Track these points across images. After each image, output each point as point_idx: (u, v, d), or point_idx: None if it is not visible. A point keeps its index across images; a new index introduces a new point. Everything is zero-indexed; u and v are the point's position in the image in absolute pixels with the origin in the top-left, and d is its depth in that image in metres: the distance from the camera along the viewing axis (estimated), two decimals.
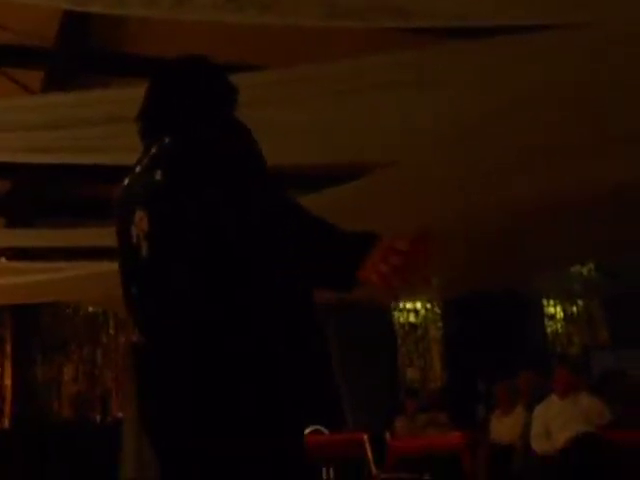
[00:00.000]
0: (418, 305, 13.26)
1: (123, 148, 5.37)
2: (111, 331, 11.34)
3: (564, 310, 13.71)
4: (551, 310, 13.72)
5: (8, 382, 10.43)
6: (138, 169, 2.53)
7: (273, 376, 2.24)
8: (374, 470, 9.09)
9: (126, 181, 2.60)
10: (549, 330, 13.61)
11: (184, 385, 2.29)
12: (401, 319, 13.23)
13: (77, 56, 7.05)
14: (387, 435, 10.01)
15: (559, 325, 13.68)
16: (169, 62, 2.72)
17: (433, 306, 13.33)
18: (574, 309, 13.73)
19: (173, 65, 2.71)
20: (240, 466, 2.23)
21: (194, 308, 2.28)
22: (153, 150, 2.48)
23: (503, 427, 8.96)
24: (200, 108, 2.54)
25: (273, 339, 2.25)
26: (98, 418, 11.03)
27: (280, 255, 2.22)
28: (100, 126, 5.01)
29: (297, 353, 2.29)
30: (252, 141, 2.38)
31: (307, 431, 7.33)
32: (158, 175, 2.38)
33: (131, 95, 5.11)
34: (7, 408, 10.39)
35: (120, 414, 11.08)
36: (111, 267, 9.38)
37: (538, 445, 7.83)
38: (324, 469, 8.81)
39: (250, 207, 2.22)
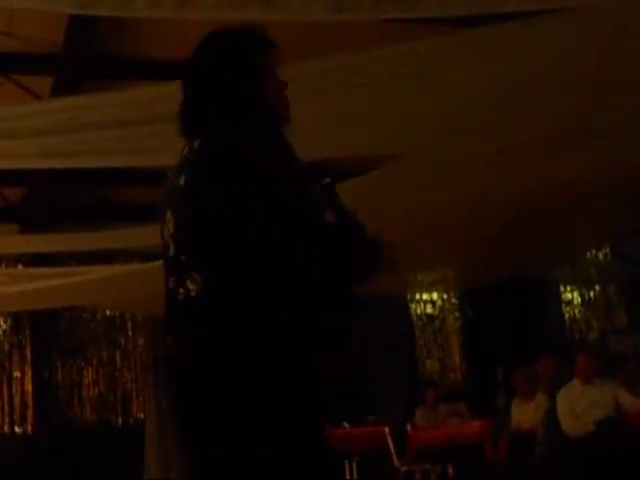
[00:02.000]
0: (435, 296, 13.23)
1: (132, 151, 5.38)
2: (129, 333, 11.37)
3: (581, 296, 13.66)
4: (568, 296, 13.68)
5: (29, 388, 10.47)
6: (175, 167, 2.57)
7: (301, 387, 2.26)
8: (396, 462, 9.09)
9: (169, 174, 2.63)
10: (567, 316, 13.57)
11: (207, 394, 2.30)
12: (418, 311, 13.21)
13: (84, 61, 7.08)
14: (408, 427, 10.01)
15: (577, 311, 13.63)
16: (198, 51, 2.65)
17: (450, 296, 13.31)
18: (591, 294, 13.68)
19: (202, 56, 2.63)
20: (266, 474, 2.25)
21: (214, 317, 2.30)
22: (185, 152, 2.53)
23: (524, 414, 8.94)
24: (231, 104, 2.53)
25: (300, 358, 2.26)
26: (120, 420, 11.06)
27: (306, 265, 2.28)
28: (108, 129, 5.02)
29: (328, 365, 2.31)
30: (279, 148, 2.39)
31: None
32: (182, 180, 2.45)
33: (138, 97, 5.13)
34: (29, 413, 10.43)
35: (141, 415, 11.12)
36: (126, 270, 9.44)
37: (567, 425, 7.79)
38: (346, 462, 8.80)
39: (271, 217, 2.27)
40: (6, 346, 10.57)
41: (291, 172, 2.36)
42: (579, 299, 13.65)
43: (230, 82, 2.54)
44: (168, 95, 4.90)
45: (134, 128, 5.00)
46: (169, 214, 2.50)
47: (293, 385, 2.25)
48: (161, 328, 2.53)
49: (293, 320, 2.26)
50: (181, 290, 2.37)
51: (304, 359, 2.27)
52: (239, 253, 2.27)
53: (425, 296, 13.21)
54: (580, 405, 7.75)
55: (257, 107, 2.53)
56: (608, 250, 13.09)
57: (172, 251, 2.46)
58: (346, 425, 9.46)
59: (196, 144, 2.48)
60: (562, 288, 13.65)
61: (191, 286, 2.33)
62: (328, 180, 2.51)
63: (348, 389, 2.38)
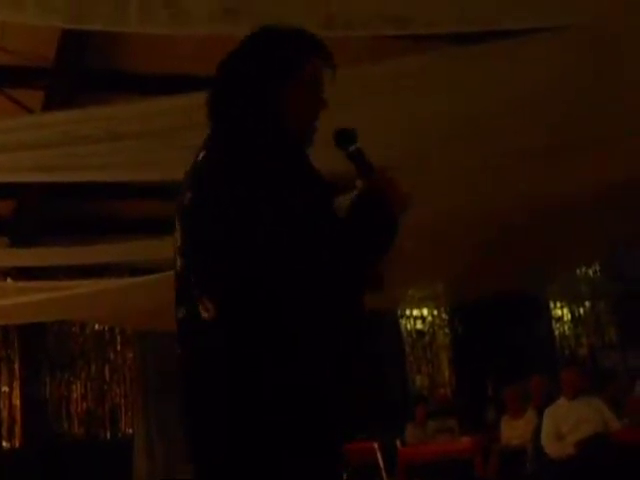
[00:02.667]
0: (425, 312, 13.24)
1: (124, 165, 5.38)
2: (118, 347, 11.34)
3: (571, 312, 13.70)
4: (558, 312, 13.71)
5: (17, 402, 10.43)
6: (185, 178, 2.44)
7: (317, 409, 2.19)
8: (385, 478, 9.07)
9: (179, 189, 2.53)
10: (557, 332, 13.59)
11: (217, 414, 2.23)
12: (408, 326, 13.21)
13: (76, 75, 7.07)
14: (397, 442, 9.98)
15: (567, 327, 13.66)
16: (237, 48, 2.50)
17: (440, 312, 13.32)
18: (581, 311, 13.70)
19: (237, 53, 2.48)
20: None
21: (222, 335, 2.21)
22: (193, 162, 2.41)
23: (513, 431, 8.92)
24: (246, 112, 2.36)
25: (317, 370, 2.20)
26: (108, 435, 11.01)
27: (316, 278, 2.19)
28: (100, 143, 5.01)
29: (341, 384, 2.24)
30: (287, 165, 2.25)
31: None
32: (188, 195, 2.34)
33: (130, 112, 5.13)
34: (17, 428, 10.38)
35: (130, 430, 11.07)
36: (116, 284, 9.40)
37: (550, 448, 7.80)
38: None
39: (283, 232, 2.16)
40: None
41: (299, 180, 2.24)
42: (569, 315, 13.68)
43: (249, 87, 2.38)
44: (161, 110, 4.92)
45: (126, 142, 5.00)
46: (177, 226, 2.39)
47: (313, 397, 2.18)
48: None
49: (309, 330, 2.19)
50: (182, 309, 2.31)
51: (322, 369, 2.20)
52: (251, 271, 2.17)
53: (415, 312, 13.22)
54: (567, 423, 7.74)
55: (273, 120, 2.35)
56: (598, 267, 13.12)
57: (179, 266, 2.37)
58: None
59: (201, 156, 2.36)
60: (552, 304, 13.67)
61: (202, 309, 2.23)
62: (355, 147, 2.40)
63: (365, 396, 2.34)
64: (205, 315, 2.22)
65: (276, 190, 2.18)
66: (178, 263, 2.38)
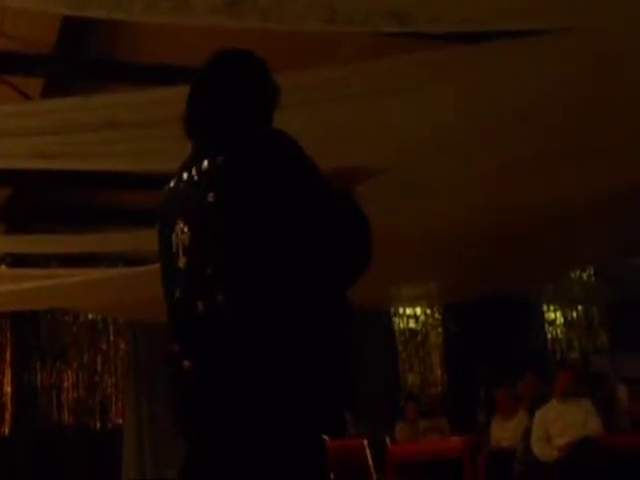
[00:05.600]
0: (418, 311, 13.25)
1: (122, 154, 5.37)
2: (111, 338, 11.33)
3: (564, 315, 13.71)
4: (551, 315, 13.72)
5: (8, 389, 10.42)
6: (185, 177, 2.51)
7: (305, 391, 2.31)
8: (374, 476, 9.07)
9: (171, 184, 2.60)
10: (549, 335, 13.61)
11: (220, 395, 2.32)
12: (401, 325, 13.23)
13: (76, 63, 7.06)
14: (387, 440, 9.99)
15: (559, 330, 13.67)
16: (216, 59, 2.65)
17: (433, 312, 13.33)
18: (574, 314, 13.72)
19: (222, 63, 2.65)
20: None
21: (228, 329, 2.31)
22: (205, 165, 2.46)
23: (504, 432, 8.94)
24: (251, 116, 2.55)
25: (307, 356, 2.31)
26: (98, 424, 11.00)
27: (327, 273, 2.35)
28: (99, 132, 5.00)
29: (329, 369, 2.38)
30: (301, 154, 2.40)
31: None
32: (210, 197, 2.39)
33: (130, 101, 5.12)
34: (7, 415, 10.37)
35: (120, 421, 11.07)
36: (110, 274, 9.37)
37: (539, 450, 7.82)
38: None
39: (307, 231, 2.31)
40: None
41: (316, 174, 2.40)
42: (562, 319, 13.68)
43: (247, 97, 2.57)
44: (161, 100, 4.91)
45: (125, 132, 4.99)
46: (182, 226, 2.46)
47: (321, 397, 2.36)
48: (166, 334, 2.51)
49: (325, 328, 2.37)
50: (199, 303, 2.36)
51: (333, 368, 2.38)
52: (277, 268, 2.29)
53: (408, 311, 13.23)
54: (556, 426, 7.76)
55: (270, 119, 2.59)
56: (592, 271, 13.13)
57: (183, 262, 2.44)
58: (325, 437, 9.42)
59: (220, 159, 2.43)
60: (545, 307, 13.68)
61: (220, 300, 2.31)
62: None
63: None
64: (221, 306, 2.31)
65: (301, 198, 2.34)
66: (181, 261, 2.45)
